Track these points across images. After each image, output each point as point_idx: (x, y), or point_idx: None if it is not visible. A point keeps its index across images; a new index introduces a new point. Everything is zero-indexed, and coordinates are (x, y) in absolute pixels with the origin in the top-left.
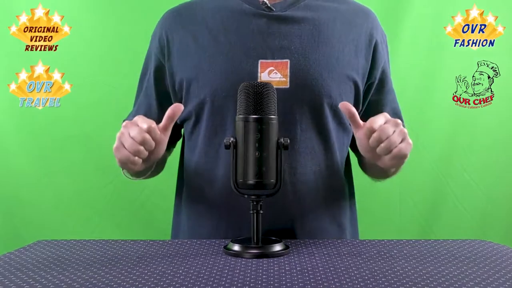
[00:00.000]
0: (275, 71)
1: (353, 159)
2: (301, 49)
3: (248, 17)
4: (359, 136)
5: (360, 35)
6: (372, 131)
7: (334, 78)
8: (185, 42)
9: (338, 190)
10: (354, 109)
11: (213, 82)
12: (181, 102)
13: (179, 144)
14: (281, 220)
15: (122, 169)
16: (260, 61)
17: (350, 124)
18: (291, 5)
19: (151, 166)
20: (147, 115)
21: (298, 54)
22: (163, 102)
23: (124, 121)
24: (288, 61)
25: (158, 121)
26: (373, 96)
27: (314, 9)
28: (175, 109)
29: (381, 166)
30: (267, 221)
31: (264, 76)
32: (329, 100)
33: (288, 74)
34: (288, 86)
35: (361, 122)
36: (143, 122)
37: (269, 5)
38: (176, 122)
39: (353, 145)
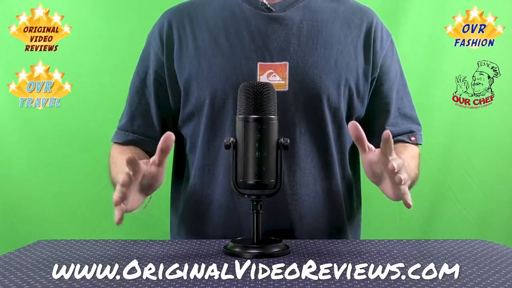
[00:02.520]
0: (274, 73)
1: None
2: (300, 51)
3: (248, 18)
4: (366, 161)
5: (359, 36)
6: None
7: (333, 80)
8: (185, 42)
9: (337, 193)
10: (362, 132)
11: (212, 84)
12: (180, 102)
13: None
14: (280, 222)
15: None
16: (259, 63)
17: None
18: (290, 5)
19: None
20: (143, 116)
21: (296, 56)
22: (161, 102)
23: (118, 125)
24: (287, 63)
25: (156, 121)
26: (374, 94)
27: (313, 10)
28: (167, 141)
29: (382, 189)
30: (266, 223)
31: (263, 78)
32: (328, 103)
33: (287, 76)
34: (286, 89)
35: (367, 146)
36: (122, 175)
37: (268, 5)
38: (170, 125)
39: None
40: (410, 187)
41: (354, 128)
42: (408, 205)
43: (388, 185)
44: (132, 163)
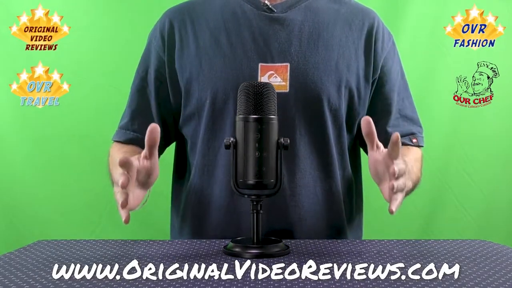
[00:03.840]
0: (275, 75)
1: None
2: (301, 53)
3: (249, 18)
4: (372, 158)
5: (360, 37)
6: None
7: (333, 82)
8: (186, 41)
9: (337, 194)
10: (373, 129)
11: (213, 84)
12: (180, 102)
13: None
14: (280, 224)
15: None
16: (260, 64)
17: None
18: (292, 6)
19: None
20: (144, 115)
21: (298, 57)
22: (162, 101)
23: (119, 124)
24: (288, 64)
25: (157, 120)
26: (375, 95)
27: (314, 11)
28: (152, 133)
29: (381, 189)
30: (266, 224)
31: (264, 79)
32: (329, 104)
33: (288, 78)
34: (287, 90)
35: (376, 144)
36: (119, 176)
37: (270, 6)
38: (170, 124)
39: (362, 142)
40: (411, 190)
41: (366, 123)
42: (390, 210)
43: (387, 186)
44: (124, 165)
